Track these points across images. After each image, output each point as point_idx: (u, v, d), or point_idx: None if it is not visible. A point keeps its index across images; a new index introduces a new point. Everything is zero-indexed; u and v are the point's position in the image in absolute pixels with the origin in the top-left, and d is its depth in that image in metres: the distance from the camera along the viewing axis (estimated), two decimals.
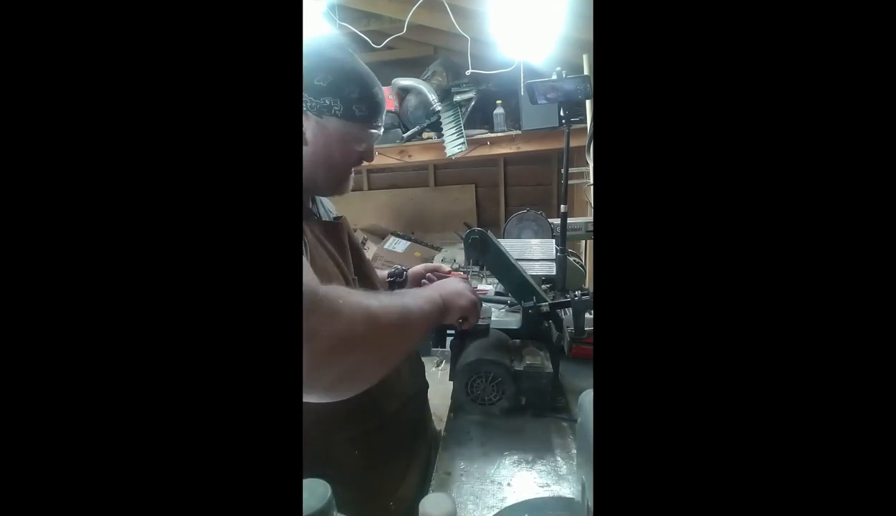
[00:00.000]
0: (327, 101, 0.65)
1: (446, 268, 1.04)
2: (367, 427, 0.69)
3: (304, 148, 0.67)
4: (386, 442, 0.73)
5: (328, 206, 0.85)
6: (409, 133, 2.50)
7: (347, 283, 0.69)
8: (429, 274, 1.00)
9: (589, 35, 1.77)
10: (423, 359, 0.91)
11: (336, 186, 0.74)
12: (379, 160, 2.62)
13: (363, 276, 0.78)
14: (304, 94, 0.64)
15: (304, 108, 0.65)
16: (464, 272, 1.06)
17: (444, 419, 0.80)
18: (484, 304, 0.95)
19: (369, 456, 0.70)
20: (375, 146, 0.74)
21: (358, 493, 0.64)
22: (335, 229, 0.75)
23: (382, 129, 0.73)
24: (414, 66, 2.69)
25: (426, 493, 0.54)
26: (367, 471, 0.69)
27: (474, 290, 0.74)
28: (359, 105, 0.66)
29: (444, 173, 3.44)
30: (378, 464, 0.71)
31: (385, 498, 0.71)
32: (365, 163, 0.75)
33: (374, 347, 0.51)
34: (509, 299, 0.93)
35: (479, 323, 0.80)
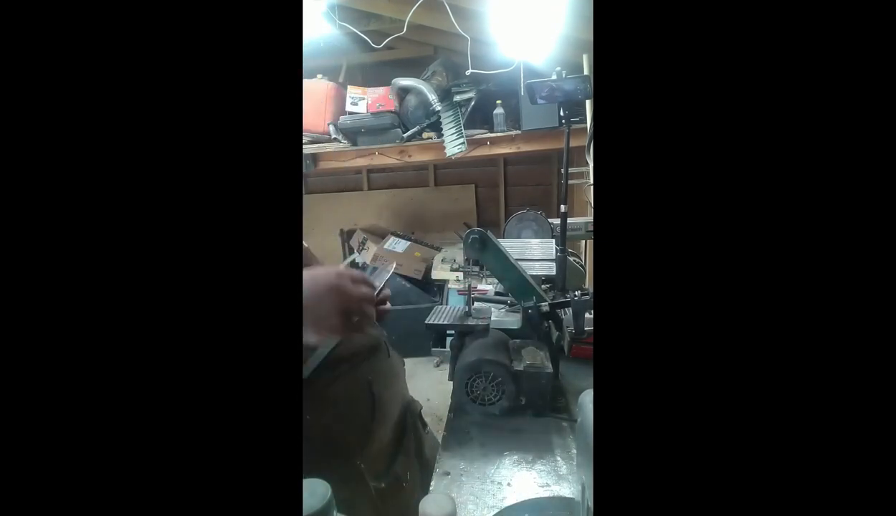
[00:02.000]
0: None
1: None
2: (331, 395, 0.63)
3: None
4: (351, 406, 0.66)
5: None
6: (409, 133, 2.50)
7: None
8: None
9: (589, 35, 1.78)
10: (422, 358, 0.88)
11: None
12: (379, 160, 2.63)
13: None
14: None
15: None
16: (463, 271, 0.91)
17: (444, 419, 0.80)
18: (484, 304, 0.95)
19: (336, 418, 0.64)
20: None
21: (325, 452, 0.60)
22: None
23: None
24: (414, 66, 2.69)
25: (426, 492, 0.54)
26: (334, 430, 0.64)
27: (345, 273, 0.55)
28: None
29: (444, 173, 3.44)
30: (344, 425, 0.65)
31: (352, 456, 0.65)
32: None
33: None
34: (509, 299, 0.93)
35: (479, 323, 0.80)
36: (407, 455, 0.76)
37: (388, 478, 0.70)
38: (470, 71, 2.14)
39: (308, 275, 0.52)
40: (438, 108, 2.48)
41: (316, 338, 0.53)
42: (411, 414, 0.79)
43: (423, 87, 2.46)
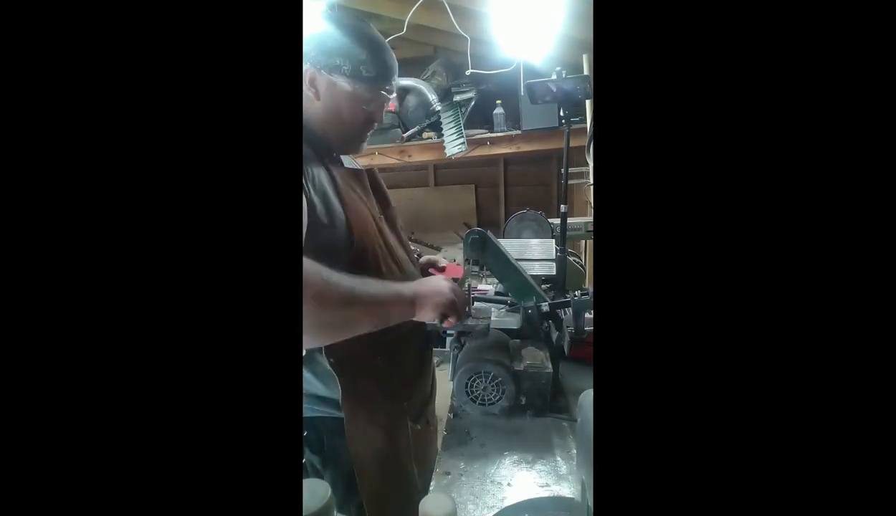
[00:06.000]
0: (337, 61, 0.72)
1: (443, 262, 1.05)
2: (386, 338, 0.75)
3: (316, 103, 0.75)
4: (402, 351, 0.82)
5: (353, 163, 0.92)
6: (409, 133, 2.50)
7: (376, 222, 0.78)
8: (430, 269, 1.04)
9: (589, 35, 1.77)
10: None
11: (349, 143, 0.81)
12: (379, 160, 2.63)
13: (388, 217, 0.86)
14: (318, 54, 0.72)
15: (318, 67, 0.73)
16: (460, 265, 1.07)
17: (444, 419, 0.80)
18: (484, 304, 0.95)
19: (389, 361, 0.79)
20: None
21: (380, 391, 0.77)
22: (358, 175, 0.82)
23: (393, 93, 0.79)
24: (414, 66, 2.68)
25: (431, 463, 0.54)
26: (387, 374, 0.78)
27: (456, 288, 0.75)
28: (366, 66, 0.73)
29: (444, 173, 3.43)
30: (395, 368, 0.80)
31: (401, 399, 0.81)
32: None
33: (309, 314, 0.56)
34: (509, 299, 0.93)
35: (480, 322, 0.80)
36: (433, 405, 0.93)
37: (422, 421, 0.86)
38: (470, 71, 2.13)
39: (422, 279, 0.80)
40: (438, 108, 2.48)
41: (454, 319, 0.74)
42: (434, 373, 0.95)
43: (423, 87, 2.46)
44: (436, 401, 0.96)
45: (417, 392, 0.86)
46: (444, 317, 0.74)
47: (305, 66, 0.73)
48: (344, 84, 0.73)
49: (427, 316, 0.72)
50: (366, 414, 0.76)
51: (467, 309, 0.77)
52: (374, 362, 0.77)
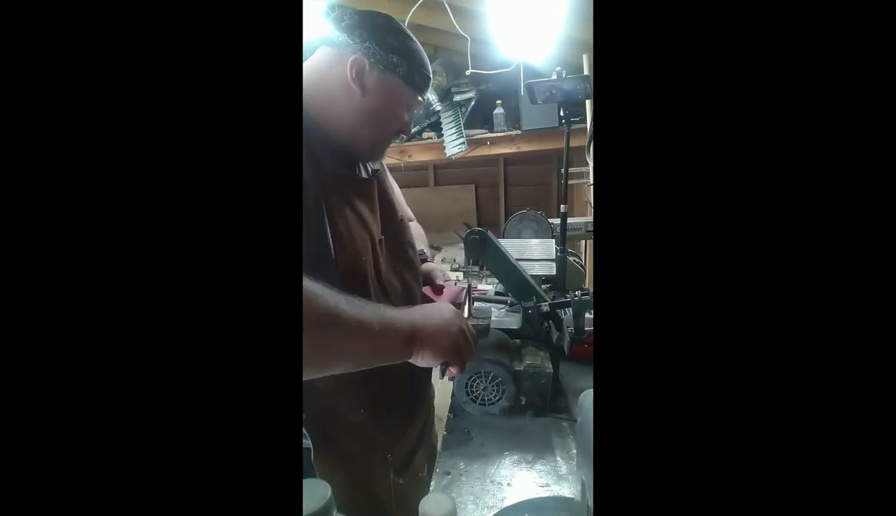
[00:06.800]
0: (395, 59, 0.66)
1: (440, 280, 0.92)
2: (371, 390, 0.68)
3: (360, 99, 0.67)
4: (388, 403, 0.73)
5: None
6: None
7: (373, 243, 0.69)
8: (425, 289, 0.91)
9: (589, 35, 1.78)
10: None
11: (374, 150, 0.75)
12: None
13: (392, 234, 0.77)
14: (376, 46, 0.66)
15: (374, 60, 0.66)
16: (463, 271, 0.98)
17: (444, 419, 0.80)
18: (484, 304, 0.95)
19: (373, 415, 0.70)
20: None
21: (361, 446, 0.69)
22: (366, 187, 0.73)
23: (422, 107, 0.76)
24: None
25: (423, 488, 0.54)
26: (370, 427, 0.70)
27: (466, 326, 0.62)
28: (419, 73, 0.69)
29: (444, 173, 3.44)
30: (381, 422, 0.71)
31: (384, 451, 0.72)
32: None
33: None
34: (509, 299, 0.93)
35: (480, 323, 0.80)
36: (425, 451, 0.83)
37: (407, 474, 0.75)
38: (470, 71, 2.14)
39: (426, 307, 0.63)
40: (438, 108, 2.48)
41: (457, 369, 0.62)
42: (431, 411, 0.86)
43: None
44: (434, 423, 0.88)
45: (405, 440, 0.76)
46: (445, 365, 0.60)
47: (355, 55, 0.65)
48: (397, 86, 0.67)
49: (425, 361, 0.58)
50: (343, 472, 0.67)
51: (473, 352, 0.63)
52: (355, 416, 0.67)
